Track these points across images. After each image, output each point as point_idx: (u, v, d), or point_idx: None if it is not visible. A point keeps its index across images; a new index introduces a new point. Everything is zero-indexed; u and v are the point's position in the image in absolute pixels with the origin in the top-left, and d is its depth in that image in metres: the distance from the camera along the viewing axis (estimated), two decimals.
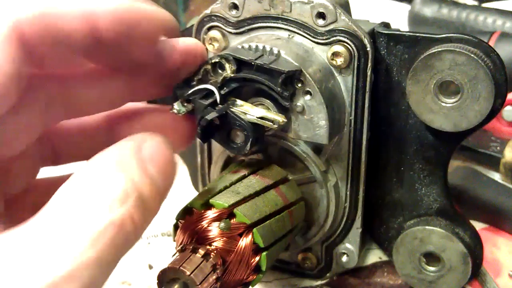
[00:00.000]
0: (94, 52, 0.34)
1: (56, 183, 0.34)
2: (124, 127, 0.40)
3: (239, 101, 0.40)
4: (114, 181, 0.29)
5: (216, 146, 0.50)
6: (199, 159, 0.52)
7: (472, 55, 0.41)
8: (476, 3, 1.17)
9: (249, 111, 0.40)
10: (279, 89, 0.40)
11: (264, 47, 0.42)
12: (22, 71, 0.30)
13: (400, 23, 1.00)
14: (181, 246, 0.38)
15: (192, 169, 0.55)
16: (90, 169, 0.30)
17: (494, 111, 0.42)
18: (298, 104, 0.43)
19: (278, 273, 0.52)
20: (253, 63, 0.40)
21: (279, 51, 0.42)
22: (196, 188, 0.55)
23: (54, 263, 0.26)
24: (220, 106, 0.39)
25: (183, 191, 0.58)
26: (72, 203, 0.28)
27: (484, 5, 1.13)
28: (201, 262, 0.36)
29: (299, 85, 0.42)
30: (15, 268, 0.25)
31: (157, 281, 0.35)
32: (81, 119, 0.40)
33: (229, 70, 0.40)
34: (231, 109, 0.40)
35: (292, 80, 0.42)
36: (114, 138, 0.37)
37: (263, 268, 0.39)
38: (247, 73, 0.41)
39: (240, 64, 0.41)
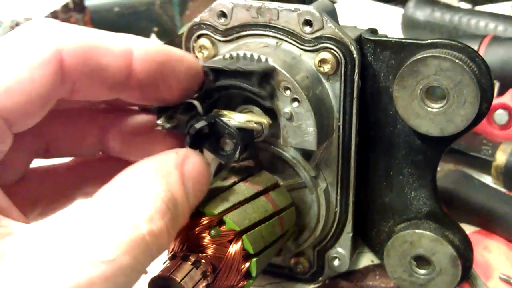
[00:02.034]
0: (125, 86, 0.35)
1: (49, 172, 0.35)
2: (114, 129, 0.41)
3: (223, 111, 0.41)
4: (157, 191, 0.31)
5: (207, 152, 0.51)
6: None
7: (457, 61, 0.41)
8: (469, 6, 1.17)
9: (233, 118, 0.40)
10: (256, 89, 0.41)
11: (252, 54, 0.43)
12: (52, 94, 0.32)
13: (394, 26, 1.01)
14: (172, 253, 0.38)
15: None
16: (135, 175, 0.31)
17: (480, 116, 0.43)
18: (286, 111, 0.43)
19: (271, 277, 0.52)
20: (226, 69, 0.41)
21: (266, 59, 0.42)
22: None
23: (93, 264, 0.27)
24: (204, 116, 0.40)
25: None
26: (115, 208, 0.29)
27: (477, 8, 1.14)
28: (191, 270, 0.36)
29: (287, 92, 0.43)
30: (50, 264, 0.26)
31: None
32: (74, 115, 0.41)
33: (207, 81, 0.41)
34: (219, 118, 0.40)
35: (268, 79, 0.42)
36: (104, 138, 0.38)
37: (253, 274, 0.39)
38: (224, 80, 0.41)
39: (218, 73, 0.41)
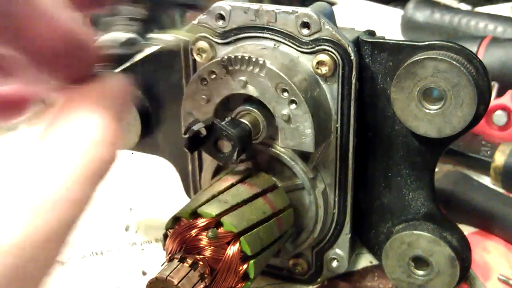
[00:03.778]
0: None
1: None
2: None
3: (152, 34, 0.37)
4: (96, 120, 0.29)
5: (205, 155, 0.51)
6: (190, 167, 0.53)
7: (454, 62, 0.41)
8: (469, 7, 1.17)
9: (161, 37, 0.40)
10: None
11: (249, 57, 0.43)
12: None
13: (393, 28, 1.01)
14: (169, 255, 0.38)
15: (183, 176, 0.55)
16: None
17: (478, 117, 0.43)
18: (284, 112, 0.43)
19: (269, 278, 0.52)
20: None
21: (264, 61, 0.43)
22: (188, 195, 0.55)
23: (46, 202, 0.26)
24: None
25: (176, 198, 0.59)
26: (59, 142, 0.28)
27: (477, 9, 1.14)
28: (188, 272, 0.37)
29: (285, 94, 0.43)
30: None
31: None
32: None
33: None
34: (217, 120, 0.41)
35: None
36: None
37: (251, 275, 0.40)
38: None
39: None
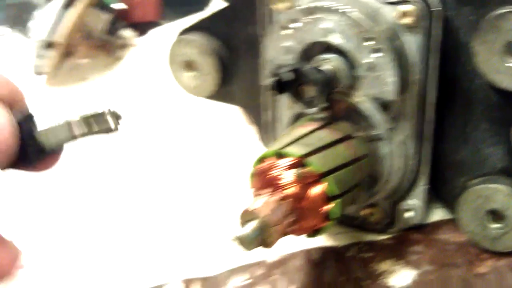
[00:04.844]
0: None
1: None
2: None
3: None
4: None
5: (283, 103, 0.52)
6: (266, 116, 0.55)
7: None
8: None
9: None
10: None
11: (332, 6, 0.44)
12: None
13: None
14: (257, 191, 0.40)
15: (259, 125, 0.57)
16: None
17: None
18: (367, 61, 0.44)
19: (342, 226, 0.54)
20: None
21: (347, 10, 0.43)
22: (264, 143, 0.57)
23: None
24: None
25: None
26: None
27: None
28: (276, 206, 0.38)
29: (368, 42, 0.44)
30: None
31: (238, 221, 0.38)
32: None
33: None
34: (303, 65, 0.42)
35: None
36: None
37: (334, 216, 0.41)
38: None
39: None
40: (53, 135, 0.39)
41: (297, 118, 0.51)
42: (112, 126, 0.39)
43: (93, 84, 0.91)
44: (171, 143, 0.72)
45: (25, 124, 0.37)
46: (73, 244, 0.57)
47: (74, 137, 0.39)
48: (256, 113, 0.57)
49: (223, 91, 0.59)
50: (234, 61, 0.59)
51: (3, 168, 0.37)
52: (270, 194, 0.39)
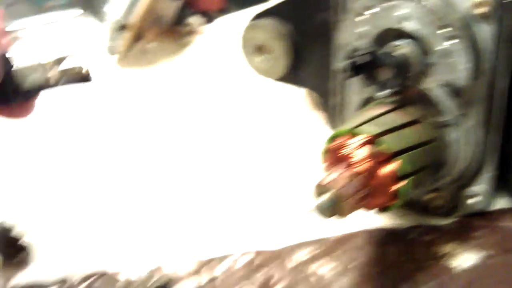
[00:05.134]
0: None
1: None
2: None
3: None
4: None
5: (352, 87, 0.54)
6: (335, 100, 0.57)
7: None
8: None
9: None
10: None
11: None
12: None
13: None
14: (329, 167, 0.42)
15: (327, 109, 0.59)
16: None
17: None
18: (440, 48, 0.45)
19: (405, 209, 0.55)
20: None
21: None
22: (332, 127, 0.59)
23: None
24: None
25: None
26: None
27: None
28: (349, 180, 0.40)
29: (443, 30, 0.45)
30: None
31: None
32: None
33: None
34: (380, 49, 0.44)
35: None
36: None
37: (404, 194, 0.42)
38: None
39: None
40: (28, 75, 0.41)
41: (366, 103, 0.53)
42: (83, 70, 0.41)
43: (160, 68, 0.94)
44: (242, 121, 0.74)
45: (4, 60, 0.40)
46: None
47: (47, 80, 0.41)
48: (325, 97, 0.59)
49: (293, 74, 0.61)
50: (305, 45, 0.61)
51: None
52: (344, 170, 0.41)
